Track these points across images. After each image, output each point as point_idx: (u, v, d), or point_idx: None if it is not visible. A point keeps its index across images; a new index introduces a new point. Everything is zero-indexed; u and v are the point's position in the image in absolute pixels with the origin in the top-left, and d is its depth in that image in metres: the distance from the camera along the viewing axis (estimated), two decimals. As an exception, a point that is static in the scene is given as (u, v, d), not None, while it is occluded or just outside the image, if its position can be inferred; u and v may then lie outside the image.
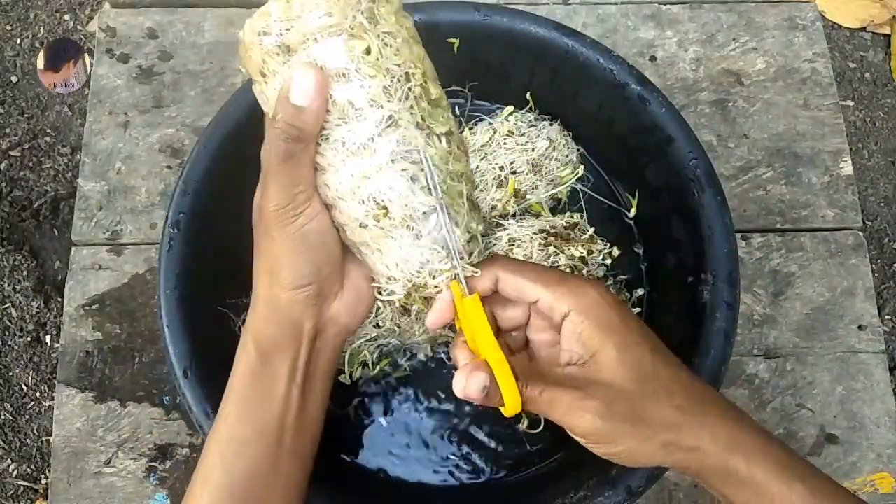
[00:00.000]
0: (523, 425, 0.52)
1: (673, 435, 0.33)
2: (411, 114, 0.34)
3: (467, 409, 0.53)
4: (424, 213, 0.35)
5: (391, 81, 0.33)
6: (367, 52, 0.33)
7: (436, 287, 0.38)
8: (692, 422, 0.33)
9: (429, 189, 0.35)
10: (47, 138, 1.02)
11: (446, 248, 0.36)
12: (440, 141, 0.35)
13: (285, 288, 0.36)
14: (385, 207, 0.35)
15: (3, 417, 0.88)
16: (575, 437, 0.35)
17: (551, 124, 0.57)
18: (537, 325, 0.37)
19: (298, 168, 0.34)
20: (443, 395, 0.53)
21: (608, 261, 0.54)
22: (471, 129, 0.57)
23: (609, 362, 0.34)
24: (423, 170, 0.35)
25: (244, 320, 0.52)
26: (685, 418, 0.33)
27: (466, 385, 0.33)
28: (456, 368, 0.35)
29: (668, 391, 0.34)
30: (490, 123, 0.57)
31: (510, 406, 0.33)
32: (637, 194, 0.56)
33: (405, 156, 0.34)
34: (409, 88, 0.34)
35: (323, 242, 0.37)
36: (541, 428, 0.50)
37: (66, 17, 1.09)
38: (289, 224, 0.35)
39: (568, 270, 0.51)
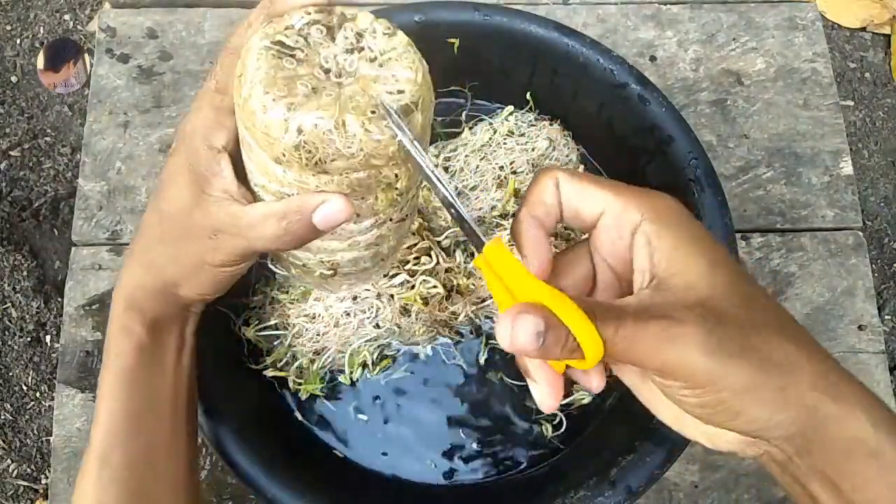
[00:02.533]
0: (548, 432, 0.52)
1: (792, 378, 0.24)
2: (391, 217, 0.35)
3: (467, 408, 0.53)
4: (364, 268, 0.38)
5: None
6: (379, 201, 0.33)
7: None
8: (814, 367, 0.25)
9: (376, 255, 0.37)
10: (47, 138, 1.02)
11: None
12: (401, 223, 0.36)
13: (183, 295, 0.37)
14: (335, 269, 0.37)
15: (3, 417, 0.88)
16: (665, 386, 0.26)
17: (551, 124, 0.57)
18: (598, 245, 0.30)
19: (261, 253, 0.35)
20: (443, 395, 0.53)
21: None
22: (471, 129, 0.57)
23: (700, 279, 0.26)
24: (380, 244, 0.36)
25: (244, 320, 0.52)
26: (806, 359, 0.25)
27: (513, 332, 0.24)
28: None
29: (779, 320, 0.26)
30: (490, 123, 0.57)
31: (592, 351, 0.25)
32: (637, 194, 0.56)
33: (377, 243, 0.36)
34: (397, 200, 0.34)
35: (242, 273, 0.38)
36: (563, 429, 0.50)
37: (66, 17, 1.09)
38: (223, 271, 0.35)
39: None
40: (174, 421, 0.38)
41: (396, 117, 0.29)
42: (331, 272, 0.37)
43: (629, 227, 0.27)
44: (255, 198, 0.33)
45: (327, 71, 0.30)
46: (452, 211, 0.30)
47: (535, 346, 0.24)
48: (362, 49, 0.31)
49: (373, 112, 0.29)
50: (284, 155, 0.29)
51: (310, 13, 0.31)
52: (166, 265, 0.36)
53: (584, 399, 0.52)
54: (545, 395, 0.28)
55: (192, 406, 0.41)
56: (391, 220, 0.34)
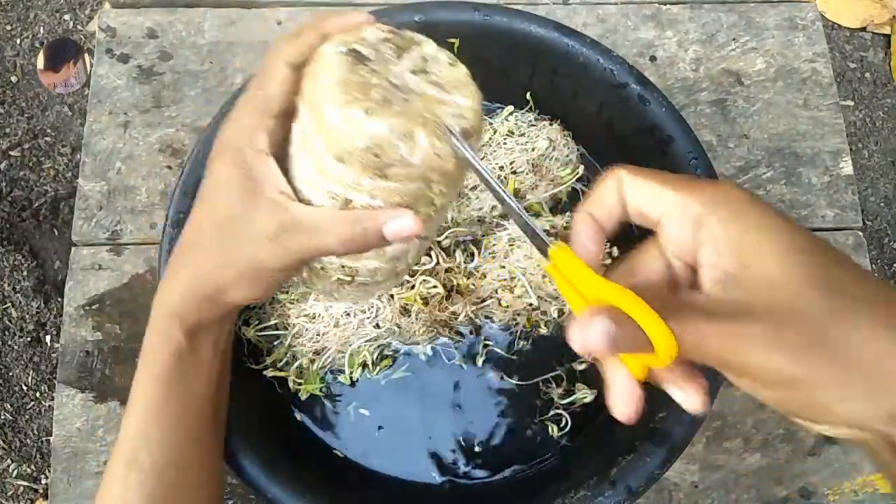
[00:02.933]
0: (553, 431, 0.52)
1: (886, 368, 0.22)
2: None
3: (467, 408, 0.53)
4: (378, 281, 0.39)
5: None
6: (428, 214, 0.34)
7: None
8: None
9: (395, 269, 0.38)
10: (47, 138, 1.02)
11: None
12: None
13: (231, 301, 0.36)
14: (353, 276, 0.38)
15: (3, 417, 0.88)
16: (741, 384, 0.26)
17: (551, 124, 0.57)
18: (666, 243, 0.28)
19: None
20: (443, 395, 0.53)
21: (608, 261, 0.54)
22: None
23: (773, 269, 0.24)
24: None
25: (244, 320, 0.52)
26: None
27: (585, 335, 0.24)
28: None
29: (871, 309, 0.23)
30: (490, 123, 0.57)
31: (663, 348, 0.24)
32: (637, 194, 0.56)
33: (400, 255, 0.37)
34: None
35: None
36: (567, 429, 0.50)
37: (66, 17, 1.09)
38: (274, 277, 0.35)
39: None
40: (206, 427, 0.38)
41: (460, 137, 0.31)
42: (348, 279, 0.37)
43: (691, 222, 0.26)
44: (297, 197, 0.34)
45: (395, 85, 0.32)
46: (517, 218, 0.31)
47: (604, 346, 0.24)
48: (427, 72, 0.34)
49: (438, 129, 0.31)
50: (350, 154, 0.31)
51: (382, 30, 0.34)
52: (216, 270, 0.35)
53: (585, 398, 0.52)
54: (619, 401, 0.27)
55: (224, 411, 0.41)
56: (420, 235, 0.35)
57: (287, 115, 0.34)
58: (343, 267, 0.37)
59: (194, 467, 0.38)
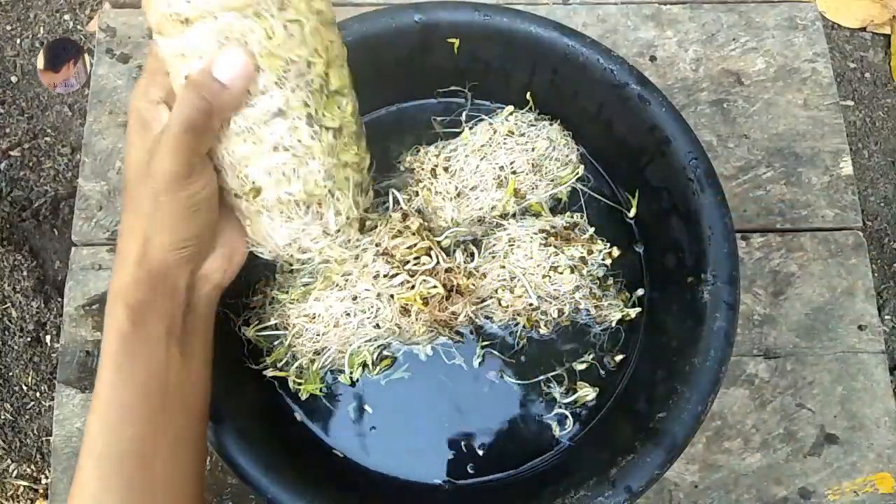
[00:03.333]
0: (556, 430, 0.52)
1: None
2: (305, 104, 0.35)
3: (468, 408, 0.53)
4: (297, 202, 0.37)
5: (286, 72, 0.34)
6: (269, 37, 0.33)
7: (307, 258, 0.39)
8: None
9: (305, 181, 0.36)
10: (47, 138, 1.03)
11: (320, 229, 0.38)
12: (329, 135, 0.36)
13: (163, 250, 0.36)
14: (258, 190, 0.37)
15: (3, 417, 0.88)
16: None
17: (551, 124, 0.57)
18: None
19: (200, 139, 0.35)
20: (442, 395, 0.53)
21: (608, 261, 0.54)
22: (471, 129, 0.57)
23: None
24: (304, 163, 0.36)
25: (244, 320, 0.52)
26: None
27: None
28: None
29: None
30: (490, 123, 0.57)
31: None
32: (637, 194, 0.56)
33: (288, 147, 0.35)
34: (308, 80, 0.34)
35: (209, 208, 0.37)
36: (569, 428, 0.50)
37: (66, 17, 1.09)
38: (180, 191, 0.35)
39: (568, 270, 0.51)
40: (162, 413, 0.36)
41: None
42: (254, 194, 0.37)
43: None
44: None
45: None
46: None
47: None
48: None
49: None
50: (163, 24, 0.33)
51: None
52: (136, 223, 0.36)
53: (588, 396, 0.52)
54: None
55: (190, 400, 0.39)
56: (309, 116, 0.34)
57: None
58: (239, 178, 0.36)
59: (158, 459, 0.36)
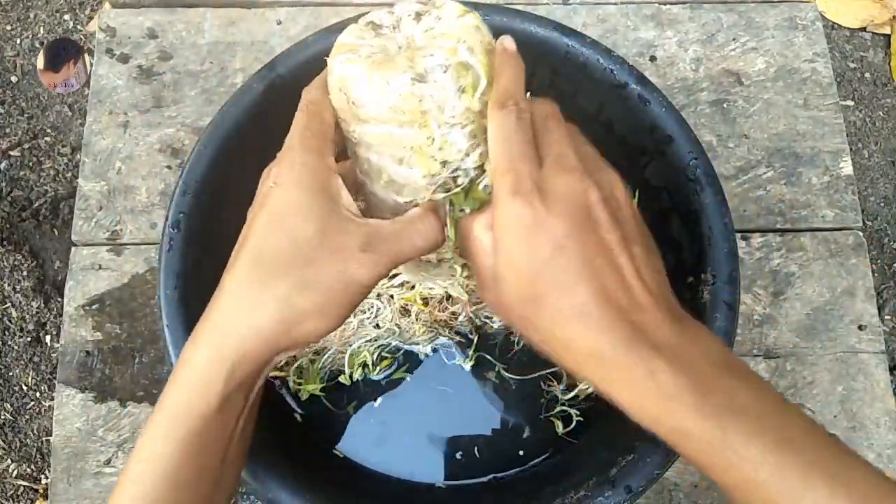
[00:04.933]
0: (559, 428, 0.52)
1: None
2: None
3: (468, 408, 0.53)
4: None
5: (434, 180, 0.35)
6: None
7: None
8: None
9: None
10: (47, 138, 1.03)
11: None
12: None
13: (304, 334, 0.32)
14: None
15: (3, 417, 0.88)
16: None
17: (551, 124, 0.57)
18: None
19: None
20: (443, 395, 0.53)
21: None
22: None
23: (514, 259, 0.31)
24: None
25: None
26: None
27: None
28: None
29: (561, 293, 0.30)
30: (490, 123, 0.56)
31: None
32: (637, 194, 0.56)
33: None
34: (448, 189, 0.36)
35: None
36: (573, 425, 0.50)
37: (66, 17, 1.09)
38: (364, 293, 0.33)
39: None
40: (214, 492, 0.33)
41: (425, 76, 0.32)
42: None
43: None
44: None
45: (399, 45, 0.34)
46: None
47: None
48: (433, 28, 0.34)
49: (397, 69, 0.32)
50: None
51: (412, 3, 0.35)
52: (297, 295, 0.31)
53: (588, 388, 0.52)
54: None
55: (237, 469, 0.36)
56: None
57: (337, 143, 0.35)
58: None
59: None
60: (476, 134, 0.34)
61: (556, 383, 0.53)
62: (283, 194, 0.33)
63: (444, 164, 0.34)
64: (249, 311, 0.32)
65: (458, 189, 0.35)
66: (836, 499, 0.26)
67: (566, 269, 0.30)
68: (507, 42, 0.34)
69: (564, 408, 0.52)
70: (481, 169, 0.35)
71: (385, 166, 0.35)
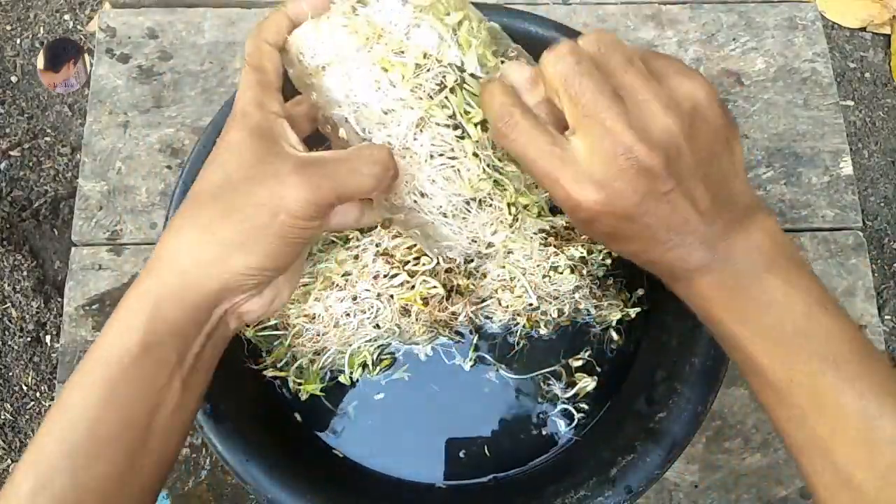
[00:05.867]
0: (562, 428, 0.52)
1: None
2: (443, 106, 0.34)
3: (467, 408, 0.53)
4: (466, 201, 0.37)
5: (418, 84, 0.34)
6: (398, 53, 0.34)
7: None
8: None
9: (469, 179, 0.36)
10: (47, 138, 1.03)
11: (496, 220, 0.38)
12: (477, 129, 0.35)
13: (234, 269, 0.30)
14: (429, 197, 0.36)
15: (3, 417, 0.88)
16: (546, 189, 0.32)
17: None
18: None
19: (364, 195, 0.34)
20: (442, 395, 0.53)
21: (608, 261, 0.54)
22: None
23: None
24: (461, 162, 0.35)
25: (244, 320, 0.52)
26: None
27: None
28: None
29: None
30: (490, 123, 0.56)
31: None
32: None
33: (441, 152, 0.35)
34: (439, 84, 0.34)
35: (307, 244, 0.34)
36: (575, 424, 0.50)
37: (66, 17, 1.09)
38: (304, 222, 0.31)
39: (568, 270, 0.51)
40: (138, 455, 0.30)
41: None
42: (426, 203, 0.37)
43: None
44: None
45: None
46: None
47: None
48: None
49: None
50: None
51: None
52: (218, 223, 0.30)
53: (588, 386, 0.52)
54: None
55: (171, 442, 0.32)
56: (449, 117, 0.35)
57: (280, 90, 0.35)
58: (407, 192, 0.36)
59: (120, 497, 0.30)
60: (440, 31, 0.34)
61: (555, 382, 0.53)
62: (223, 141, 0.33)
63: (418, 66, 0.34)
64: (175, 249, 0.30)
65: (452, 85, 0.34)
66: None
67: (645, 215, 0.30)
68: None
69: (566, 406, 0.52)
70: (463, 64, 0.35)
71: (363, 101, 0.34)
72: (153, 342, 0.30)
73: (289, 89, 0.36)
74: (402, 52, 0.33)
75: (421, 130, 0.34)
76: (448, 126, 0.34)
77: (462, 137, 0.35)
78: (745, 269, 0.30)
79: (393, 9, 0.34)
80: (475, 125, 0.35)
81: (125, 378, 0.29)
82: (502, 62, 0.36)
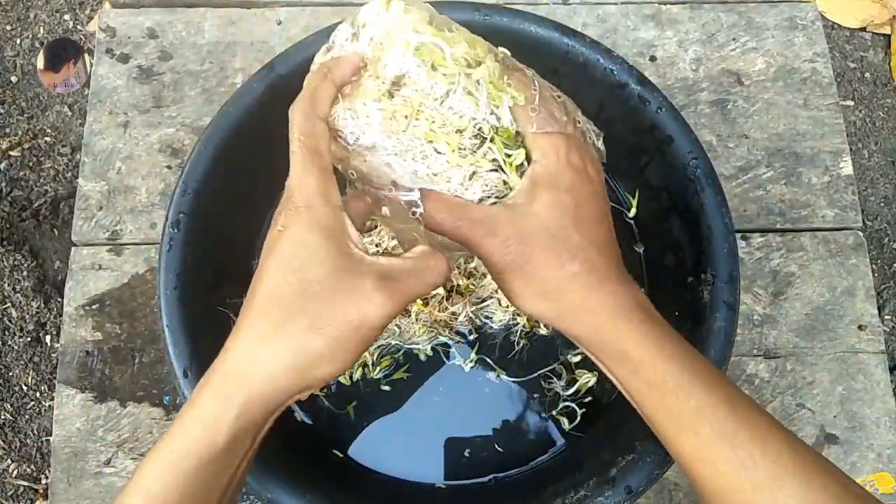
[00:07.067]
0: (564, 425, 0.52)
1: (556, 290, 0.34)
2: (488, 158, 0.36)
3: (467, 408, 0.53)
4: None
5: (461, 145, 0.36)
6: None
7: None
8: (581, 290, 0.34)
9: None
10: (47, 138, 1.02)
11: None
12: (516, 172, 0.37)
13: (314, 377, 0.32)
14: None
15: (3, 417, 0.88)
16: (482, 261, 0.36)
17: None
18: None
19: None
20: (442, 395, 0.53)
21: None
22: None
23: (531, 213, 0.35)
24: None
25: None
26: (573, 284, 0.34)
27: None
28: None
29: (569, 256, 0.34)
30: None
31: None
32: (637, 194, 0.56)
33: (491, 195, 0.37)
34: (480, 139, 0.36)
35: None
36: (578, 421, 0.50)
37: (66, 17, 1.09)
38: (376, 332, 0.33)
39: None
40: None
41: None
42: None
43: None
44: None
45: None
46: None
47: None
48: (373, 38, 0.36)
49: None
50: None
51: (343, 29, 0.38)
52: (310, 337, 0.31)
53: (588, 382, 0.52)
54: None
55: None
56: (493, 161, 0.37)
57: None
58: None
59: None
60: (469, 89, 0.35)
61: (556, 380, 0.53)
62: (292, 238, 0.32)
63: (459, 131, 0.35)
64: (262, 357, 0.31)
65: (491, 135, 0.36)
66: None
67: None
68: None
69: (567, 404, 0.52)
70: (496, 116, 0.36)
71: (412, 171, 0.36)
72: (237, 439, 0.31)
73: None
74: (444, 124, 0.35)
75: (471, 181, 0.35)
76: (494, 170, 0.36)
77: (506, 182, 0.36)
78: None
79: (425, 83, 0.34)
80: (515, 168, 0.36)
81: (208, 471, 0.31)
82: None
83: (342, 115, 0.35)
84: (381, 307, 0.32)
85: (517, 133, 0.37)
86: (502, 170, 0.36)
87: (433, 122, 0.34)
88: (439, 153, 0.35)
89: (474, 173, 0.35)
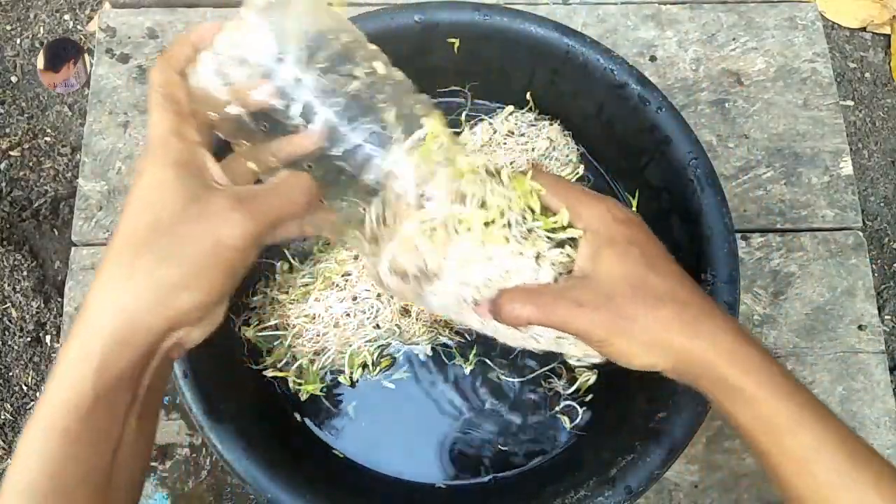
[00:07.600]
0: (567, 424, 0.52)
1: (661, 336, 0.35)
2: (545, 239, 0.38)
3: (467, 408, 0.53)
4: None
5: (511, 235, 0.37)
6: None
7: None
8: (683, 329, 0.35)
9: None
10: (47, 138, 1.02)
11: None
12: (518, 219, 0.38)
13: (179, 307, 0.30)
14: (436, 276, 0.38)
15: (3, 417, 0.88)
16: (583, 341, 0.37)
17: (551, 124, 0.57)
18: None
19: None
20: (442, 395, 0.53)
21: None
22: (471, 129, 0.57)
23: (604, 271, 0.36)
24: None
25: (244, 321, 0.52)
26: (674, 325, 0.35)
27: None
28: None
29: (657, 299, 0.35)
30: (490, 123, 0.57)
31: None
32: (637, 194, 0.56)
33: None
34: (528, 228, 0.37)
35: (244, 272, 0.34)
36: (579, 419, 0.50)
37: (66, 17, 1.09)
38: (244, 252, 0.32)
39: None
40: (105, 494, 0.30)
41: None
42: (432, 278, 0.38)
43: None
44: None
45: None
46: None
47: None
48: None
49: None
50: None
51: None
52: (161, 267, 0.30)
53: (589, 380, 0.52)
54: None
55: (135, 473, 0.33)
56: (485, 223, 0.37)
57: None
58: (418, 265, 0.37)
59: None
60: (484, 180, 0.36)
61: (556, 380, 0.53)
62: (146, 175, 0.32)
63: (506, 226, 0.36)
64: (118, 298, 0.30)
65: (536, 219, 0.37)
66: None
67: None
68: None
69: (568, 403, 0.52)
70: (527, 203, 0.38)
71: (481, 283, 0.37)
72: (106, 388, 0.30)
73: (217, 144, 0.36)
74: (487, 223, 0.35)
75: (539, 265, 0.36)
76: (554, 247, 0.37)
77: (569, 256, 0.37)
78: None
79: (441, 193, 0.35)
80: (568, 242, 0.38)
81: (83, 426, 0.29)
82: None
83: (405, 246, 0.35)
84: (238, 225, 0.31)
85: (545, 208, 0.38)
86: (559, 245, 0.37)
87: (476, 232, 0.35)
88: (495, 254, 0.36)
89: (538, 255, 0.36)
